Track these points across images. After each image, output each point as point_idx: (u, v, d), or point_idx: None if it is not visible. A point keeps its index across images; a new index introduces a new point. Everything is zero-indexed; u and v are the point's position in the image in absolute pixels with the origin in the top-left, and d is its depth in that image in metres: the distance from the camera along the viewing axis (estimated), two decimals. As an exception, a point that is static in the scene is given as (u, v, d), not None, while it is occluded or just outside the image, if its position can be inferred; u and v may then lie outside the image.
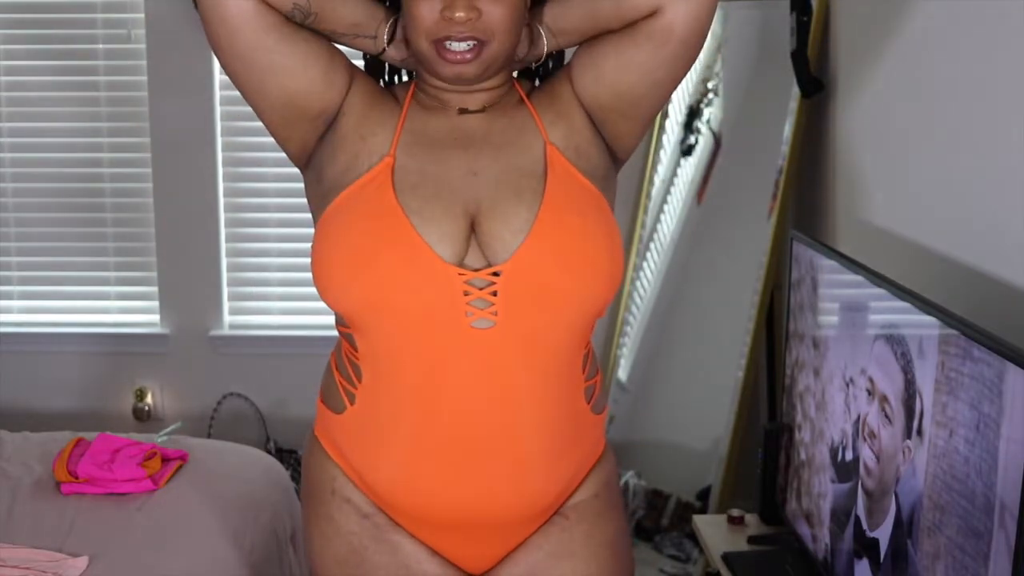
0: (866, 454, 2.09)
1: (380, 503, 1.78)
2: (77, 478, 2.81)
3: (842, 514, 2.21)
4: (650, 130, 3.68)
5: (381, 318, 1.66)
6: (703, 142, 3.58)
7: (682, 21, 1.64)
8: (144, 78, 3.88)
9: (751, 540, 2.61)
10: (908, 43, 2.48)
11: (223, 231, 3.96)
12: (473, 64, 1.66)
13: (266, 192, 3.97)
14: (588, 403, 1.79)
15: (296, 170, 1.80)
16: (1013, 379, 1.60)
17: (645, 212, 3.77)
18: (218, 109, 3.89)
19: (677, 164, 3.69)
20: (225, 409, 4.00)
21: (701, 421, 3.34)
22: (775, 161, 3.06)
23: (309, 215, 1.77)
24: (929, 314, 1.86)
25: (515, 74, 1.81)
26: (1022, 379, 1.58)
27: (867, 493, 2.09)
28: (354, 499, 1.79)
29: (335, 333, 1.80)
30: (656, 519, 3.41)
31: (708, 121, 3.56)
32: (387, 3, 1.73)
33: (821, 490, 2.34)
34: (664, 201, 3.73)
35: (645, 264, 3.77)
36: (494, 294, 1.64)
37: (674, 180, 3.70)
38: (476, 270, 1.64)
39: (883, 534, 2.02)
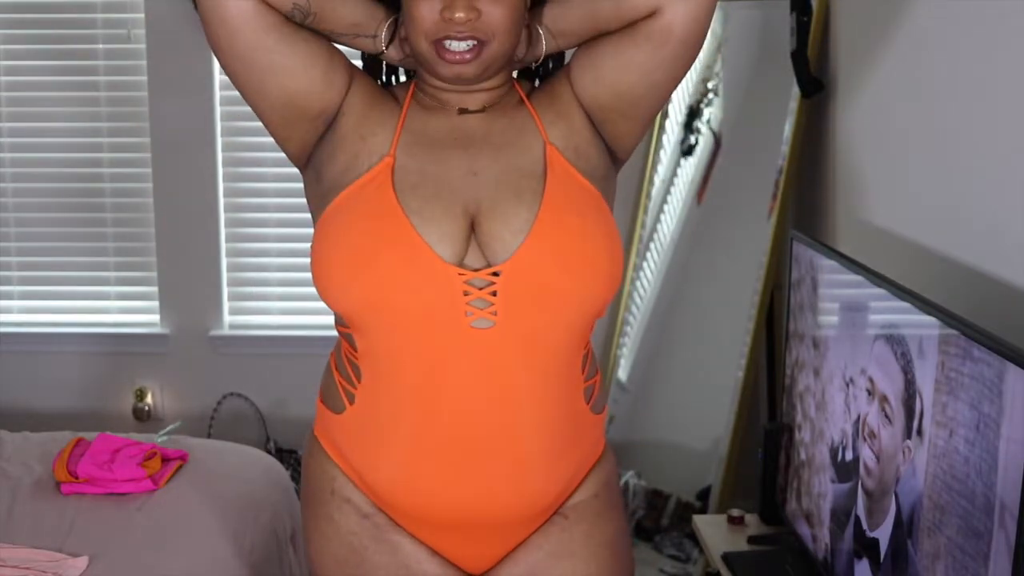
0: (866, 454, 2.09)
1: (380, 503, 1.78)
2: (77, 478, 2.81)
3: (842, 514, 2.21)
4: (650, 130, 3.68)
5: (381, 318, 1.66)
6: (703, 142, 3.58)
7: (681, 21, 1.64)
8: (144, 78, 3.88)
9: (751, 540, 2.61)
10: (908, 43, 2.48)
11: (223, 231, 3.96)
12: (473, 64, 1.66)
13: (266, 192, 3.97)
14: (587, 403, 1.79)
15: (296, 170, 1.80)
16: (1013, 379, 1.60)
17: (645, 212, 3.77)
18: (218, 109, 3.89)
19: (677, 164, 3.69)
20: (225, 409, 4.00)
21: (701, 421, 3.34)
22: (775, 161, 3.06)
23: (309, 215, 1.77)
24: (929, 314, 1.86)
25: (515, 74, 1.81)
26: (1022, 379, 1.58)
27: (867, 493, 2.09)
28: (354, 499, 1.79)
29: (335, 333, 1.80)
30: (656, 519, 3.41)
31: (708, 121, 3.56)
32: (387, 3, 1.73)
33: (821, 490, 2.34)
34: (664, 201, 3.73)
35: (645, 264, 3.77)
36: (494, 294, 1.64)
37: (674, 180, 3.70)
38: (476, 270, 1.65)
39: (883, 534, 2.02)
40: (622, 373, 3.75)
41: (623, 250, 1.75)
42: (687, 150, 3.64)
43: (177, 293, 3.98)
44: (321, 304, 1.72)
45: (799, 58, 2.92)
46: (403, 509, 1.77)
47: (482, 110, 1.74)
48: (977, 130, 2.16)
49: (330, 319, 1.80)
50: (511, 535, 1.80)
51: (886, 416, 2.00)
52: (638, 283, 3.77)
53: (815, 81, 2.93)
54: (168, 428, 3.40)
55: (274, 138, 1.75)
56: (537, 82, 1.83)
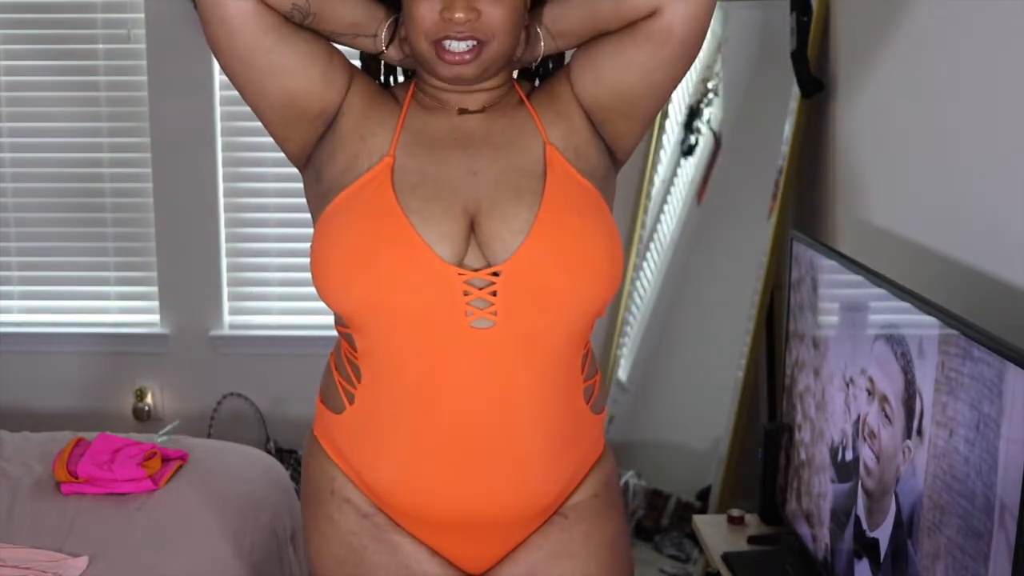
0: (866, 454, 2.09)
1: (380, 503, 1.78)
2: (77, 478, 2.81)
3: (842, 514, 2.21)
4: (650, 130, 3.68)
5: (380, 318, 1.66)
6: (703, 142, 3.58)
7: (681, 21, 1.64)
8: (144, 78, 3.88)
9: (751, 540, 2.61)
10: (908, 43, 2.48)
11: (223, 231, 3.96)
12: (472, 65, 1.66)
13: (266, 192, 3.97)
14: (587, 403, 1.79)
15: (296, 170, 1.80)
16: (1013, 379, 1.60)
17: (645, 212, 3.77)
18: (218, 109, 3.89)
19: (677, 164, 3.69)
20: (225, 409, 4.00)
21: (701, 421, 3.34)
22: (775, 161, 3.06)
23: (309, 215, 1.77)
24: (929, 314, 1.86)
25: (515, 75, 1.81)
26: (1022, 379, 1.58)
27: (867, 493, 2.09)
28: (354, 499, 1.79)
29: (335, 333, 1.80)
30: (656, 519, 3.41)
31: (708, 121, 3.56)
32: (387, 3, 1.73)
33: (821, 490, 2.34)
34: (664, 201, 3.73)
35: (645, 264, 3.77)
36: (494, 294, 1.64)
37: (674, 180, 3.70)
38: (476, 270, 1.65)
39: (883, 534, 2.02)
40: (622, 373, 3.75)
41: (623, 250, 1.75)
42: (687, 150, 3.64)
43: (177, 293, 3.98)
44: (321, 304, 1.72)
45: (799, 58, 2.92)
46: (403, 509, 1.77)
47: (482, 110, 1.74)
48: (977, 130, 2.16)
49: (330, 319, 1.80)
50: (511, 535, 1.80)
51: (886, 416, 2.00)
52: (638, 283, 3.77)
53: (815, 81, 2.93)
54: (168, 427, 3.40)
55: (273, 138, 1.75)
56: (537, 82, 1.83)
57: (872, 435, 2.06)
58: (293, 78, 1.67)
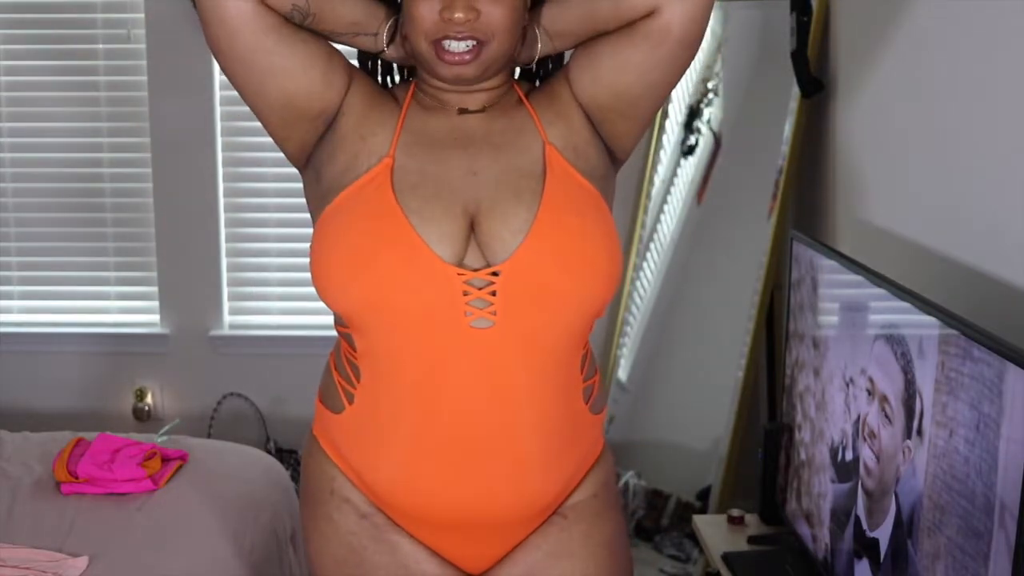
0: (866, 454, 2.09)
1: (379, 503, 1.78)
2: (77, 478, 2.81)
3: (842, 514, 2.21)
4: (650, 130, 3.69)
5: (380, 318, 1.66)
6: (703, 142, 3.58)
7: (679, 21, 1.64)
8: (144, 78, 3.88)
9: (751, 540, 2.61)
10: (908, 43, 2.48)
11: (223, 231, 3.96)
12: (472, 65, 1.66)
13: (266, 192, 3.97)
14: (586, 403, 1.79)
15: (296, 170, 1.80)
16: (1013, 379, 1.60)
17: (645, 212, 3.77)
18: (218, 109, 3.89)
19: (677, 164, 3.69)
20: (225, 409, 4.00)
21: (701, 421, 3.34)
22: (775, 161, 3.06)
23: (309, 215, 1.77)
24: (929, 314, 1.86)
25: (515, 75, 1.81)
26: (1022, 379, 1.58)
27: (867, 493, 2.09)
28: (353, 499, 1.79)
29: (335, 333, 1.80)
30: (656, 519, 3.41)
31: (708, 121, 3.56)
32: (387, 3, 1.73)
33: (821, 490, 2.34)
34: (664, 201, 3.73)
35: (645, 264, 3.77)
36: (493, 294, 1.64)
37: (674, 180, 3.70)
38: (475, 270, 1.65)
39: (883, 534, 2.01)
40: (622, 373, 3.75)
41: (623, 250, 1.75)
42: (687, 150, 3.64)
43: (177, 293, 3.98)
44: (321, 304, 1.72)
45: (799, 58, 2.92)
46: (402, 509, 1.77)
47: (482, 110, 1.74)
48: (977, 130, 2.16)
49: (330, 319, 1.80)
50: (510, 535, 1.80)
51: (886, 416, 2.00)
52: (638, 283, 3.77)
53: (815, 81, 2.93)
54: (167, 427, 3.40)
55: (273, 138, 1.75)
56: (536, 82, 1.83)
57: (872, 435, 2.06)
58: (293, 79, 1.66)
